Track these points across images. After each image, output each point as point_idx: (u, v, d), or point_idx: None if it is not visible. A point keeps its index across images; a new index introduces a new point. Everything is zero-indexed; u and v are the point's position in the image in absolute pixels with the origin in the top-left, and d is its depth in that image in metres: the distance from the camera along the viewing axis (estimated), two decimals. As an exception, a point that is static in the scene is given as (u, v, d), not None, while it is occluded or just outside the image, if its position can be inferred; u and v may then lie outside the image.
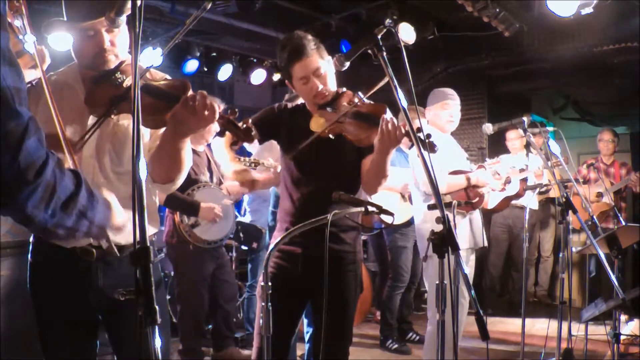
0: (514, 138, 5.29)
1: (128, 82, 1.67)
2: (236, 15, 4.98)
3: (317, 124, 2.06)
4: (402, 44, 1.80)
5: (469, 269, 3.28)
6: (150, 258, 1.03)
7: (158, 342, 1.02)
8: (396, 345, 4.28)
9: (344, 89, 2.16)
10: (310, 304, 2.26)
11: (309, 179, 2.18)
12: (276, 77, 6.84)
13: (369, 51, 1.73)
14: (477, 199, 3.16)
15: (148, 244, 1.03)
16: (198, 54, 5.83)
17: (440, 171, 3.06)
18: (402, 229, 4.28)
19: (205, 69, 6.21)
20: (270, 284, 2.15)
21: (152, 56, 5.39)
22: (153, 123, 1.65)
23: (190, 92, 1.60)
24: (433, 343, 3.00)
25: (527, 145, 3.61)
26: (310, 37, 2.14)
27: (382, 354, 4.24)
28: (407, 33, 4.94)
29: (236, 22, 5.10)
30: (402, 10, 4.91)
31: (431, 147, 1.87)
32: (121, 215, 1.45)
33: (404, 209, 4.23)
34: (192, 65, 5.85)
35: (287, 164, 2.24)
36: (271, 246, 1.82)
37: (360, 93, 2.10)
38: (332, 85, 2.16)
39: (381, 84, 2.04)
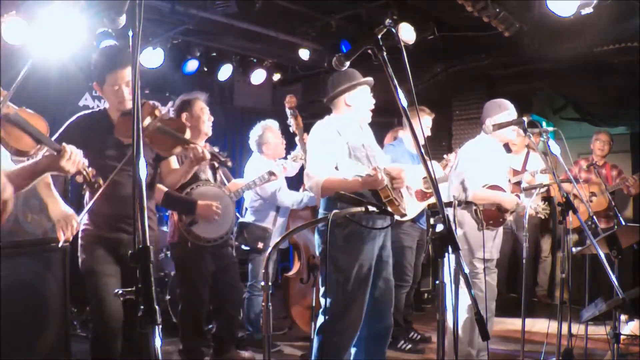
0: (515, 137, 5.28)
1: None
2: (236, 15, 4.98)
3: (120, 131, 2.37)
4: (402, 44, 1.80)
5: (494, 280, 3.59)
6: (150, 258, 1.03)
7: (158, 342, 1.02)
8: (410, 346, 4.24)
9: (143, 100, 2.39)
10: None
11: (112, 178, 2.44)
12: (276, 77, 6.85)
13: (369, 51, 1.73)
14: (501, 219, 3.43)
15: (148, 244, 1.03)
16: (198, 54, 5.83)
17: (478, 180, 3.38)
18: (406, 228, 4.21)
19: (205, 69, 6.21)
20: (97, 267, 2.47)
21: (153, 56, 5.39)
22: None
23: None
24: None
25: (529, 145, 3.62)
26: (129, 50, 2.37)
27: (394, 353, 4.14)
28: (407, 33, 4.94)
29: (236, 22, 5.10)
30: (402, 10, 4.91)
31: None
32: None
33: (411, 205, 4.18)
34: (192, 65, 5.85)
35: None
36: (271, 247, 1.82)
37: (157, 103, 2.38)
38: None
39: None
